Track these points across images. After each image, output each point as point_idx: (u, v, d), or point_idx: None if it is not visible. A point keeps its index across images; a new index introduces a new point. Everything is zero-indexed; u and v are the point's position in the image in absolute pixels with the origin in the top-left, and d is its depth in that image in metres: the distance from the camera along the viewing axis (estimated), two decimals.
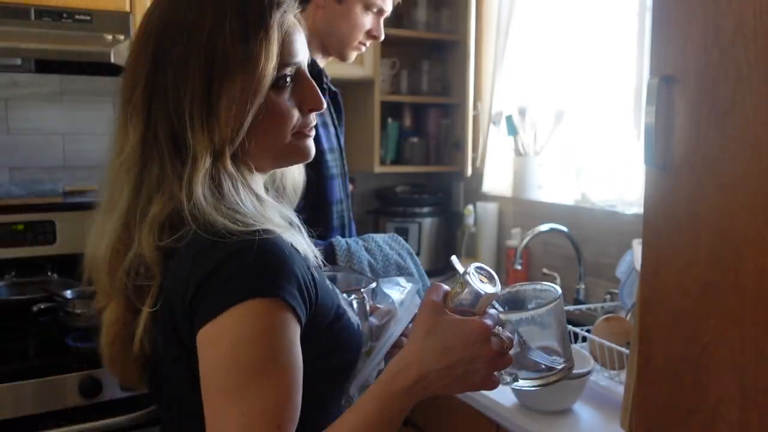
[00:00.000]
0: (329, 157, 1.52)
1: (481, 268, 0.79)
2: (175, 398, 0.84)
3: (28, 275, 2.08)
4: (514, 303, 0.84)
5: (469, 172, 2.54)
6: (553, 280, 2.18)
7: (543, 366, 0.82)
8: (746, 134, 0.79)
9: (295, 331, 0.75)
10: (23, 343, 1.70)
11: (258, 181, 0.87)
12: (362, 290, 0.96)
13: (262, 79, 0.79)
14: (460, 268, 0.74)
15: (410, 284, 1.04)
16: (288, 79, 0.83)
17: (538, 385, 0.83)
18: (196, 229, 0.75)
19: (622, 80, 1.97)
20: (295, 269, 0.75)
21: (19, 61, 2.06)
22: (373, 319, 0.97)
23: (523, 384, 0.82)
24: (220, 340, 0.71)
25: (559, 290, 0.81)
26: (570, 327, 1.54)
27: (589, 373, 1.35)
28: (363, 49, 1.59)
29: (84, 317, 1.75)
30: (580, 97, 2.13)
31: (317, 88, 0.86)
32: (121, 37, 1.93)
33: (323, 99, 0.87)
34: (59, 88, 2.25)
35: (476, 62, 2.51)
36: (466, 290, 0.75)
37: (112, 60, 1.91)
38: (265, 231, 0.76)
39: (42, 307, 1.78)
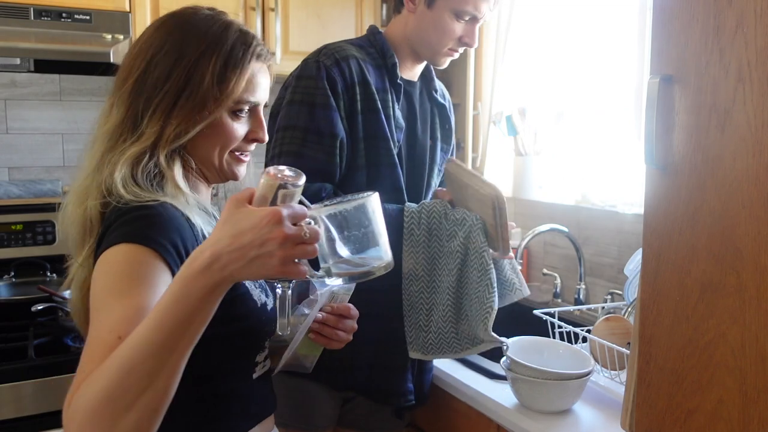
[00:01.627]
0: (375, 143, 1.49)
1: (291, 169, 0.82)
2: None
3: (28, 275, 2.08)
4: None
5: None
6: (553, 280, 2.18)
7: (357, 263, 0.87)
8: (746, 134, 0.79)
9: (159, 275, 0.87)
10: (23, 343, 1.70)
11: (202, 191, 1.07)
12: (290, 284, 1.02)
13: (221, 107, 0.99)
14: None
15: None
16: (245, 111, 1.03)
17: (347, 280, 0.89)
18: (113, 199, 0.93)
19: (622, 80, 1.97)
20: (171, 230, 0.91)
21: (18, 61, 2.06)
22: (303, 308, 1.10)
23: (334, 281, 0.88)
24: (96, 271, 0.87)
25: (373, 193, 0.88)
26: (570, 327, 1.55)
27: (589, 373, 1.35)
28: (455, 55, 1.55)
29: None
30: (580, 97, 2.13)
31: (265, 124, 1.06)
32: (121, 37, 1.93)
33: (266, 135, 1.06)
34: (58, 87, 2.25)
35: (476, 62, 2.51)
36: (261, 182, 0.80)
37: (112, 60, 1.91)
38: (157, 201, 0.93)
39: (41, 307, 1.78)
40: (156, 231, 0.88)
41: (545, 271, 2.22)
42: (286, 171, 0.81)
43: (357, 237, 0.86)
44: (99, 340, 0.79)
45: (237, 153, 1.05)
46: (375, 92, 1.48)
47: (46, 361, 1.62)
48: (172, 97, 0.97)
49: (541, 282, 2.28)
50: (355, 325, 1.15)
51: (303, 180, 0.81)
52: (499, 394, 1.43)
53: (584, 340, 1.49)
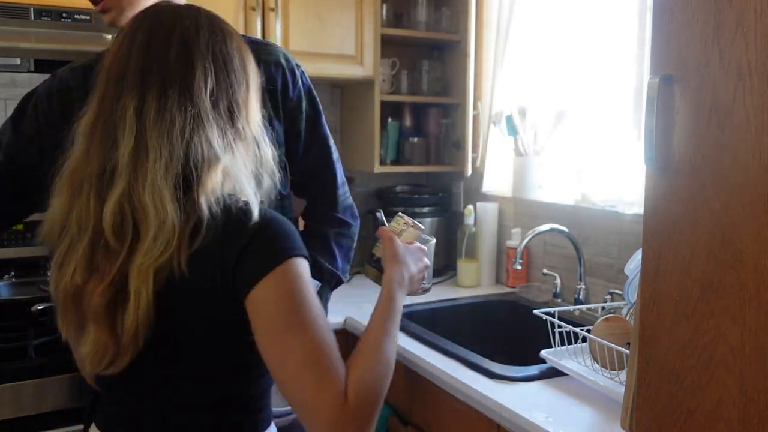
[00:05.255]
0: None
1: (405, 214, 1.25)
2: (195, 364, 0.97)
3: (28, 275, 2.08)
4: None
5: (469, 172, 2.54)
6: (553, 280, 2.18)
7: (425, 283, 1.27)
8: (746, 134, 0.79)
9: None
10: (23, 343, 1.70)
11: None
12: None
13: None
14: (384, 221, 1.24)
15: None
16: None
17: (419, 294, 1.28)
18: (225, 203, 0.92)
19: (622, 80, 1.97)
20: None
21: (18, 61, 2.06)
22: None
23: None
24: (275, 292, 0.90)
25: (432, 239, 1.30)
26: (570, 327, 1.55)
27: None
28: (101, 14, 1.31)
29: None
30: (580, 97, 2.13)
31: None
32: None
33: None
34: None
35: (476, 62, 2.51)
36: (409, 228, 1.21)
37: None
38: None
39: (41, 307, 1.78)
40: (298, 238, 0.97)
41: (545, 271, 2.22)
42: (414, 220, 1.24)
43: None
44: (329, 343, 0.91)
45: None
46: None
47: (46, 361, 1.62)
48: (244, 84, 1.00)
49: (541, 282, 2.28)
50: None
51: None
52: (499, 394, 1.43)
53: (584, 340, 1.49)
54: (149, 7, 1.02)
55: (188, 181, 0.91)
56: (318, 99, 1.52)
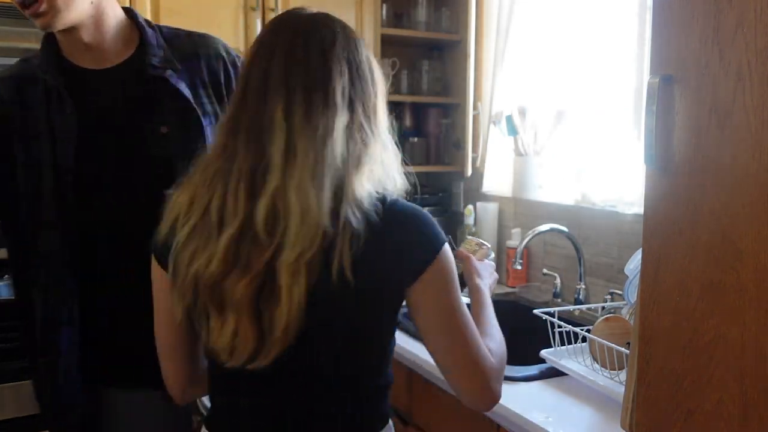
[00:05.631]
0: None
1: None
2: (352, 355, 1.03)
3: None
4: None
5: (469, 172, 2.54)
6: (553, 280, 2.18)
7: None
8: (746, 134, 0.79)
9: None
10: (23, 343, 1.69)
11: None
12: None
13: None
14: (454, 244, 1.39)
15: None
16: None
17: None
18: (373, 202, 0.96)
19: (622, 80, 1.97)
20: None
21: None
22: None
23: None
24: (439, 281, 1.00)
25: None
26: (570, 327, 1.55)
27: None
28: (34, 17, 1.21)
29: None
30: (580, 97, 2.13)
31: None
32: None
33: None
34: None
35: (476, 62, 2.51)
36: (483, 248, 1.41)
37: None
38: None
39: None
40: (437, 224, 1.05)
41: (545, 271, 2.22)
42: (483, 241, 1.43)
43: None
44: (474, 325, 1.04)
45: None
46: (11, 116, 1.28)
47: None
48: (382, 89, 1.05)
49: (541, 282, 2.28)
50: None
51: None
52: None
53: (584, 339, 1.49)
54: (286, 13, 1.04)
55: (335, 184, 0.94)
56: None
